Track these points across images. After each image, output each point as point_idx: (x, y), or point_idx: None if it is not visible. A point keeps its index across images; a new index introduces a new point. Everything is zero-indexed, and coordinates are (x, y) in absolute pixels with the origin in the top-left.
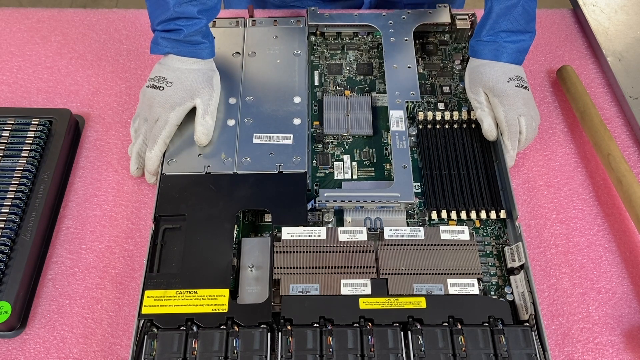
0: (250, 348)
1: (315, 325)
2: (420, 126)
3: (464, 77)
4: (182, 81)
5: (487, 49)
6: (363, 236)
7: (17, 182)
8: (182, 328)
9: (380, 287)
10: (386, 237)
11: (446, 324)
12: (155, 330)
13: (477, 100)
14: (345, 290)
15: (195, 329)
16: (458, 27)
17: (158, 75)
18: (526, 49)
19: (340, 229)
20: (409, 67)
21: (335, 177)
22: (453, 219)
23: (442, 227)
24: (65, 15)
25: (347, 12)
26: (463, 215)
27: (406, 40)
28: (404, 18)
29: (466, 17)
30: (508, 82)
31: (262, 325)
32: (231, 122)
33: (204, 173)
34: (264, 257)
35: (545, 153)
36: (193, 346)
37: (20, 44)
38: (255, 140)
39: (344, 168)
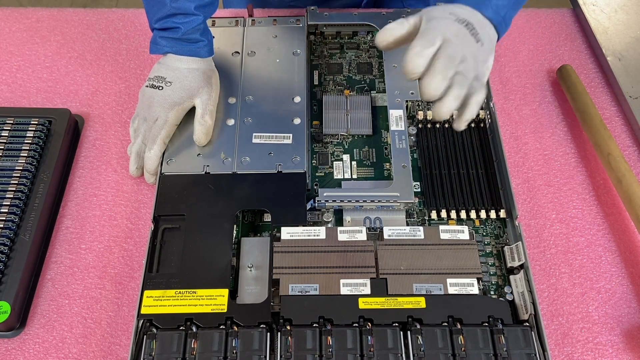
0: (250, 348)
1: (314, 325)
2: (419, 125)
3: None
4: (181, 81)
5: None
6: (362, 236)
7: (17, 181)
8: (181, 328)
9: (379, 287)
10: (386, 236)
11: (446, 323)
12: (154, 330)
13: (406, 18)
14: (344, 290)
15: (194, 329)
16: None
17: (157, 74)
18: (513, 7)
19: (339, 228)
20: None
21: (335, 177)
22: (453, 219)
23: (441, 227)
24: (65, 15)
25: (346, 11)
26: (463, 214)
27: None
28: (403, 17)
29: None
30: (449, 15)
31: (262, 325)
32: (230, 122)
33: (204, 173)
34: (264, 257)
35: (545, 153)
36: (192, 346)
37: (19, 44)
38: (254, 140)
39: (343, 168)
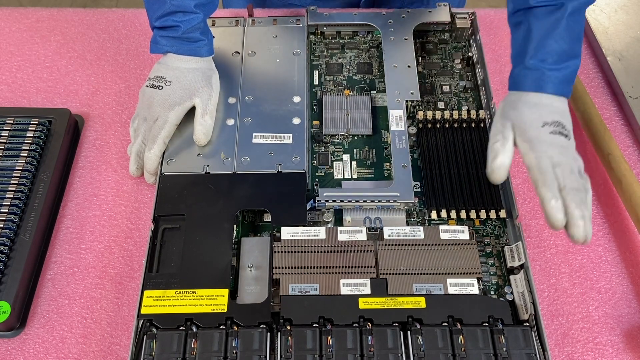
0: (250, 348)
1: (314, 325)
2: (420, 125)
3: (499, 106)
4: (181, 80)
5: (530, 78)
6: (362, 236)
7: (17, 181)
8: (181, 328)
9: (379, 287)
10: (386, 236)
11: (446, 323)
12: (154, 330)
13: (503, 134)
14: (344, 290)
15: (194, 329)
16: (458, 26)
17: (157, 74)
18: (572, 78)
19: (339, 228)
20: (409, 66)
21: (335, 177)
22: (453, 219)
23: (441, 227)
24: (65, 15)
25: (346, 11)
26: (463, 214)
27: (406, 39)
28: (403, 17)
29: (466, 16)
30: (542, 127)
31: (262, 325)
32: (230, 122)
33: (204, 173)
34: (264, 257)
35: None
36: (192, 346)
37: (19, 44)
38: (254, 140)
39: (343, 167)
